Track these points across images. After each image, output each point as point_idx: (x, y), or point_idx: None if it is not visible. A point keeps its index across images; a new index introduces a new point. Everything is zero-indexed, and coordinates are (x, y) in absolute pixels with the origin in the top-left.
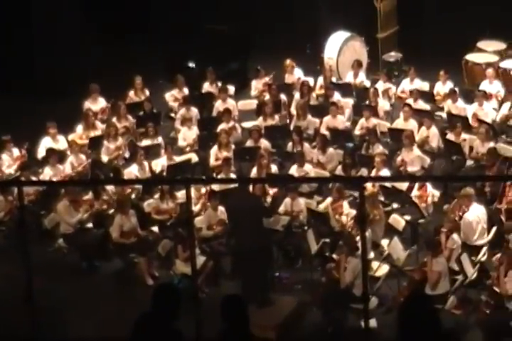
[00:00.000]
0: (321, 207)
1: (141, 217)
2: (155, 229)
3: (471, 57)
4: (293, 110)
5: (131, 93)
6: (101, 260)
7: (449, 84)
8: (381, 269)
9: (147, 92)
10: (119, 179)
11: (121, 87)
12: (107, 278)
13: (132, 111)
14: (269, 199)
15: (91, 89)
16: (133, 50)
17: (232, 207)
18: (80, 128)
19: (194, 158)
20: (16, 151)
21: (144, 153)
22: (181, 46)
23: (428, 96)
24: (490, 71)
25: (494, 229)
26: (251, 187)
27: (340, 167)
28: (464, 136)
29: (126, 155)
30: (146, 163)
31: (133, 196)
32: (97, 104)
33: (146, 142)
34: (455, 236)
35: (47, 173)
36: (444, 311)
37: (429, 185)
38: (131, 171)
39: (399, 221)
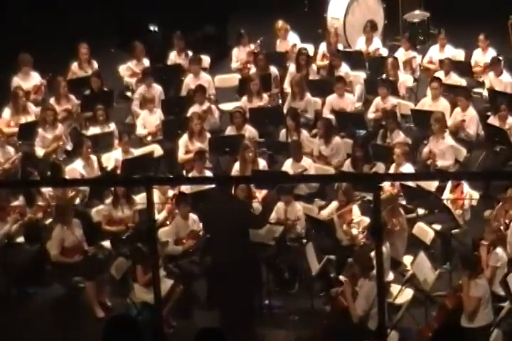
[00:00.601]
0: (324, 213)
1: (88, 228)
2: (106, 244)
3: None
4: (287, 87)
5: (74, 65)
6: (36, 285)
7: (491, 52)
8: (403, 295)
9: (95, 65)
10: (58, 179)
11: (61, 58)
12: (43, 309)
13: (76, 90)
14: (256, 204)
15: (20, 61)
16: (77, 10)
17: (208, 214)
18: (6, 112)
19: (157, 150)
20: None
21: (91, 145)
22: (140, 4)
23: (464, 67)
24: None
25: None
26: (232, 189)
27: (348, 161)
28: (510, 119)
29: (69, 147)
30: (94, 158)
31: (77, 201)
32: (29, 80)
33: (94, 130)
34: (499, 250)
35: None
36: None
37: (465, 185)
38: (75, 168)
39: (426, 231)
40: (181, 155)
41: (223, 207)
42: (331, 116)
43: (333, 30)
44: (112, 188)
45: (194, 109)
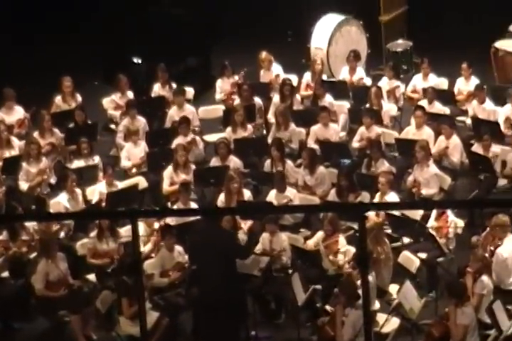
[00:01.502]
0: (310, 243)
1: (73, 261)
2: (91, 277)
3: (502, 44)
4: (271, 117)
5: (58, 99)
6: (21, 319)
7: (474, 81)
8: (390, 324)
9: (79, 98)
10: (43, 212)
11: (45, 92)
12: None
13: (60, 123)
14: (241, 235)
15: (4, 95)
16: (61, 43)
17: (195, 245)
18: None
19: (142, 182)
20: None
21: (75, 178)
22: (123, 36)
23: (447, 96)
24: None
25: None
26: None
27: (333, 191)
28: (494, 147)
29: (53, 180)
30: (78, 191)
31: (62, 235)
32: (12, 114)
33: (78, 163)
34: (485, 278)
35: None
36: None
37: (450, 213)
38: (60, 201)
39: (412, 260)
40: (166, 187)
41: (210, 237)
42: (316, 146)
43: (317, 61)
44: (97, 221)
45: (178, 140)
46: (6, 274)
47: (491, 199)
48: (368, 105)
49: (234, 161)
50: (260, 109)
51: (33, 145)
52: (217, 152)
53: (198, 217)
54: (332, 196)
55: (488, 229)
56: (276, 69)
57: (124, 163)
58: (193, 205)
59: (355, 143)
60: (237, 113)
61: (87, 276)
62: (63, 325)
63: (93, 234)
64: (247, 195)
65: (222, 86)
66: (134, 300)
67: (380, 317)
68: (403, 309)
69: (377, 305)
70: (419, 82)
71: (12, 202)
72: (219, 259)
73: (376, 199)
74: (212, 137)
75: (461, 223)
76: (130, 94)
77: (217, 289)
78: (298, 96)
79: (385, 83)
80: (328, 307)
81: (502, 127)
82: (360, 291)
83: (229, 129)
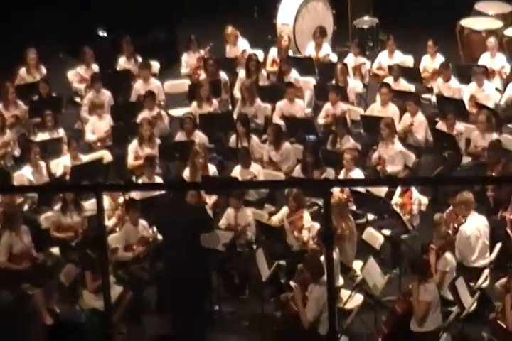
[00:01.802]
0: (275, 219)
1: (36, 234)
2: (55, 250)
3: (468, 22)
4: (237, 93)
5: (22, 71)
6: None
7: (440, 58)
8: (353, 300)
9: (43, 70)
10: (6, 185)
11: (8, 64)
12: None
13: (24, 95)
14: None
15: None
16: (24, 15)
17: (159, 220)
18: None
19: (107, 156)
20: None
21: (40, 151)
22: (88, 9)
23: (412, 73)
24: (492, 41)
25: (498, 245)
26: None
27: (299, 167)
28: (458, 125)
29: (17, 153)
30: (43, 164)
31: (25, 207)
32: None
33: (42, 136)
34: (448, 255)
35: None
36: None
37: (414, 190)
38: (23, 174)
39: (376, 236)
40: (131, 161)
41: (175, 212)
42: (281, 122)
43: (283, 37)
44: (61, 194)
45: (144, 114)
46: None
47: (454, 176)
48: (333, 82)
49: (199, 136)
50: (226, 84)
51: None
52: (183, 127)
53: (163, 192)
54: (297, 172)
55: (451, 206)
56: (243, 44)
57: (89, 136)
58: (158, 179)
59: (321, 120)
60: (203, 88)
61: (50, 250)
62: (26, 298)
63: (57, 207)
64: (212, 170)
65: (188, 60)
66: (97, 274)
67: (344, 294)
68: (367, 285)
69: (340, 281)
70: (384, 59)
71: None
72: (184, 233)
73: (341, 176)
74: (177, 111)
75: (425, 200)
76: (95, 67)
77: (182, 263)
78: (264, 72)
79: (351, 60)
80: (292, 283)
81: (467, 105)
82: (324, 267)
83: (194, 104)
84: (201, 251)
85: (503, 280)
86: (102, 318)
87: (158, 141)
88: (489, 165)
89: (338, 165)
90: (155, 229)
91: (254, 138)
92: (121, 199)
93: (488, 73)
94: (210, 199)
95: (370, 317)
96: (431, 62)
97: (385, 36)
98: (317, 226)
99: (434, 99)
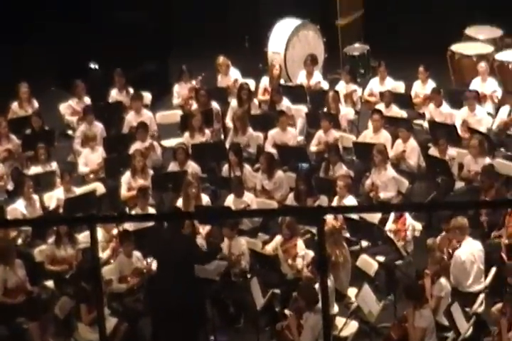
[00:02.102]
0: (269, 248)
1: (30, 268)
2: (50, 283)
3: (459, 47)
4: (229, 122)
5: (15, 105)
6: None
7: (431, 84)
8: (348, 327)
9: (36, 104)
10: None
11: (1, 98)
12: None
13: (16, 129)
14: (200, 240)
15: None
16: (15, 49)
17: (153, 251)
18: None
19: (100, 188)
20: None
21: (33, 184)
22: (79, 42)
23: (404, 99)
24: (483, 65)
25: (493, 270)
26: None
27: (292, 195)
28: (451, 150)
29: (10, 187)
30: (36, 197)
31: (19, 241)
32: None
33: (35, 169)
34: (443, 280)
35: None
36: None
37: (408, 216)
38: (17, 208)
39: (370, 263)
40: (124, 192)
41: (170, 243)
42: (274, 151)
43: (274, 65)
44: (55, 227)
45: (136, 146)
46: None
47: (448, 201)
48: (325, 109)
49: (192, 166)
50: (218, 113)
51: None
52: (175, 157)
53: (156, 223)
54: (290, 200)
55: (444, 232)
56: (234, 73)
57: (82, 168)
58: (151, 210)
59: (313, 147)
60: (195, 118)
61: (45, 283)
62: (22, 332)
63: (51, 240)
64: (205, 199)
65: (180, 91)
66: (92, 306)
67: (339, 321)
68: (362, 312)
69: (335, 308)
70: (376, 85)
71: None
72: (178, 264)
73: (334, 203)
74: (170, 142)
75: (419, 226)
76: (87, 100)
77: (176, 294)
78: (256, 101)
79: (342, 87)
80: (287, 312)
81: (459, 130)
82: (318, 295)
83: (187, 134)
84: (195, 282)
85: (499, 304)
86: None
87: (151, 171)
88: (483, 190)
89: (332, 193)
90: (149, 259)
91: (247, 167)
92: (115, 231)
93: (479, 98)
94: (204, 229)
95: None
96: (422, 87)
97: (376, 63)
98: (311, 254)
99: (426, 124)
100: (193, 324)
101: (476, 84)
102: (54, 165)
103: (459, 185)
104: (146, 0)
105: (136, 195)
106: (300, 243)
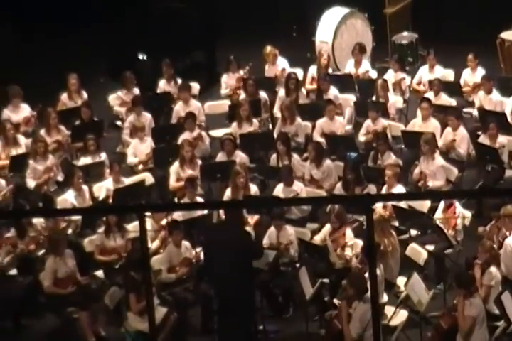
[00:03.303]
0: (317, 239)
1: (81, 258)
2: (99, 273)
3: (508, 35)
4: (277, 112)
5: (64, 96)
6: (30, 317)
7: (481, 72)
8: (398, 316)
9: (85, 95)
10: (50, 209)
11: (51, 90)
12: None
13: (66, 120)
14: (248, 229)
15: (10, 93)
16: (64, 41)
17: (209, 242)
18: None
19: (149, 178)
20: None
21: (82, 175)
22: (128, 33)
23: (453, 87)
24: None
25: None
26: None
27: (340, 184)
28: (501, 138)
29: (60, 178)
30: (85, 188)
31: (69, 231)
32: (18, 112)
33: (85, 160)
34: (493, 269)
35: None
36: None
37: (457, 204)
38: (67, 199)
39: (419, 252)
40: (173, 182)
41: (219, 233)
42: (322, 140)
43: (322, 54)
44: (104, 218)
45: (184, 136)
46: (14, 271)
47: (498, 189)
48: (373, 98)
49: (240, 156)
50: (266, 103)
51: (39, 143)
52: (223, 147)
53: (205, 212)
54: (338, 189)
55: (493, 220)
56: (282, 63)
57: (131, 159)
58: (200, 200)
59: (362, 137)
60: (243, 108)
61: (95, 273)
62: (72, 322)
63: (100, 230)
64: (254, 189)
65: (228, 81)
66: (142, 296)
67: (388, 310)
68: (411, 301)
69: (385, 297)
70: (425, 74)
71: (20, 200)
72: (236, 257)
73: (383, 192)
74: (218, 132)
75: (468, 214)
76: (136, 91)
77: (225, 284)
78: (303, 90)
79: (391, 76)
80: (336, 301)
81: (509, 118)
82: (368, 284)
83: (234, 124)
84: (250, 275)
85: None
86: (147, 340)
87: (199, 162)
88: None
89: (380, 182)
90: (198, 249)
91: (295, 156)
92: (164, 221)
93: None
94: (252, 219)
95: (415, 333)
96: (472, 75)
97: (425, 51)
98: (360, 243)
99: (475, 112)
100: (243, 313)
101: None
102: (103, 156)
103: (509, 173)
104: None
105: (185, 185)
106: (349, 232)
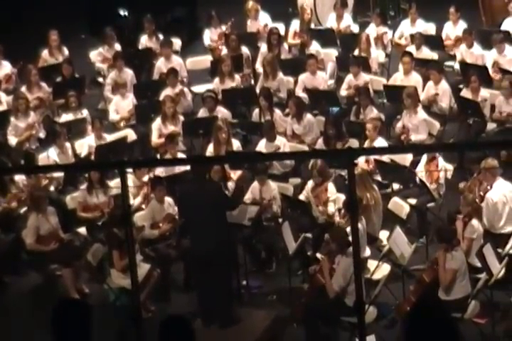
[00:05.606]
0: (302, 197)
1: (63, 215)
2: (82, 230)
3: None
4: (259, 67)
5: (45, 53)
6: (12, 274)
7: (462, 25)
8: (380, 270)
9: (66, 51)
10: (32, 166)
11: (31, 46)
12: (20, 298)
13: (47, 77)
14: (231, 184)
15: None
16: None
17: (184, 197)
18: None
19: (131, 135)
20: None
21: (64, 132)
22: None
23: (435, 41)
24: None
25: None
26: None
27: (321, 139)
28: (483, 91)
29: (41, 135)
30: (67, 145)
31: (51, 188)
32: None
33: (66, 117)
34: (475, 222)
35: None
36: (463, 321)
37: (440, 159)
38: (49, 156)
39: (401, 206)
40: (155, 139)
41: (199, 189)
42: (304, 95)
43: (304, 9)
44: (86, 174)
45: (166, 92)
46: None
47: (479, 142)
48: (355, 52)
49: (222, 112)
50: (248, 58)
51: (20, 100)
52: (205, 103)
53: (187, 168)
54: (320, 144)
55: (475, 174)
56: (264, 18)
57: (113, 115)
58: (182, 156)
59: (343, 91)
60: (225, 63)
61: (77, 230)
62: (55, 279)
63: (83, 187)
64: (236, 144)
65: (210, 36)
66: (125, 252)
67: (371, 264)
68: (394, 255)
69: (367, 251)
70: (406, 27)
71: (1, 157)
72: (209, 211)
73: (365, 146)
74: (200, 88)
75: (450, 168)
76: (117, 47)
77: (208, 240)
78: (285, 46)
79: (373, 30)
80: (318, 255)
81: (490, 71)
82: (350, 238)
83: (216, 80)
84: (226, 227)
85: None
86: (130, 296)
87: (181, 118)
88: None
89: (362, 136)
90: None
91: (278, 112)
92: (146, 178)
93: (510, 38)
94: (235, 174)
95: (398, 287)
96: (453, 29)
97: (407, 5)
98: (342, 197)
99: (457, 66)
100: (226, 269)
101: (508, 25)
102: (85, 113)
103: (491, 126)
104: None
105: (167, 141)
106: (331, 187)
